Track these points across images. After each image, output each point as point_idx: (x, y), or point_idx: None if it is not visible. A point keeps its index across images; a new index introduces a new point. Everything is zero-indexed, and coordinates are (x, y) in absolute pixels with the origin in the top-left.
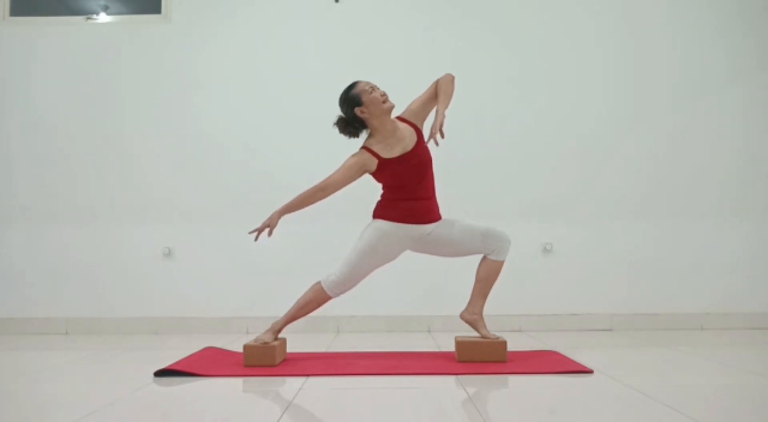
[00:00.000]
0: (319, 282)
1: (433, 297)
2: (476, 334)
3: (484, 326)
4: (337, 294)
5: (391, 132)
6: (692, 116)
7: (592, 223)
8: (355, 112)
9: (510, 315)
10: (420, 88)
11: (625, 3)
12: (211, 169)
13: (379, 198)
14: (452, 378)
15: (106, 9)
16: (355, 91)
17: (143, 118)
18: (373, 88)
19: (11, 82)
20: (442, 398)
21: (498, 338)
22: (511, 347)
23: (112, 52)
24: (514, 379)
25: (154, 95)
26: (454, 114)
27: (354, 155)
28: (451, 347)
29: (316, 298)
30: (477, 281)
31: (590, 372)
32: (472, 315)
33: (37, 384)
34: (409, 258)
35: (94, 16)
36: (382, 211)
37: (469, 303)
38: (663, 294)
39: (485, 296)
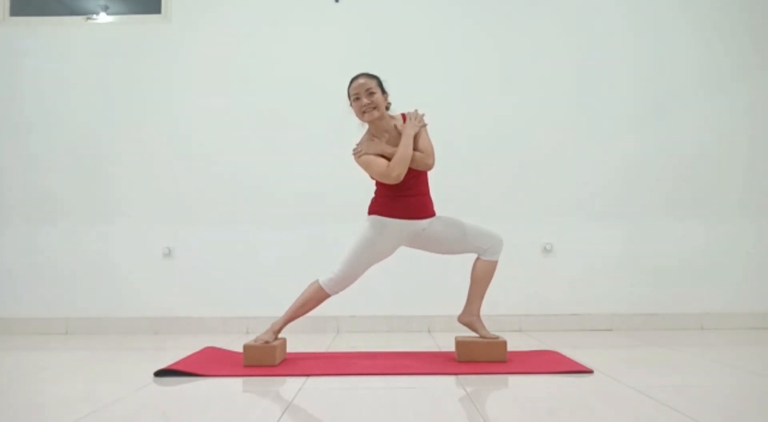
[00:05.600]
0: (317, 281)
1: (433, 297)
2: (476, 334)
3: (483, 327)
4: (336, 292)
5: (380, 131)
6: (693, 116)
7: (592, 223)
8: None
9: (510, 315)
10: (419, 88)
11: (626, 3)
12: (211, 168)
13: (373, 195)
14: (452, 378)
15: (106, 9)
16: (349, 89)
17: (143, 118)
18: (359, 96)
19: (11, 82)
20: (442, 398)
21: (498, 338)
22: (511, 347)
23: (112, 52)
24: (514, 379)
25: (153, 95)
26: (454, 113)
27: (361, 154)
28: (451, 347)
29: (315, 297)
30: (472, 283)
31: (590, 372)
32: (470, 316)
33: (37, 384)
34: (409, 258)
35: (94, 16)
36: (376, 207)
37: (466, 306)
38: (663, 294)
39: (481, 297)
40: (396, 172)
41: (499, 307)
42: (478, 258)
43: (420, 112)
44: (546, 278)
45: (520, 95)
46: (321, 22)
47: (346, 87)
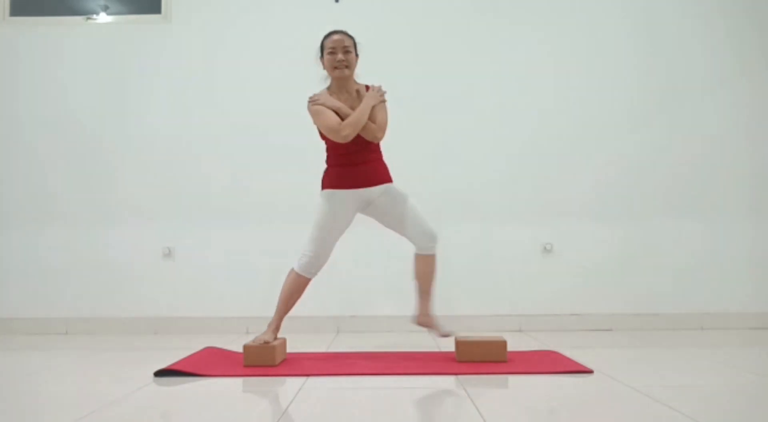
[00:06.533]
0: (292, 269)
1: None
2: (476, 334)
3: (438, 325)
4: (313, 274)
5: (342, 90)
6: (692, 116)
7: (592, 223)
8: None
9: (510, 315)
10: (419, 88)
11: (625, 2)
12: (211, 168)
13: (324, 165)
14: (452, 378)
15: (106, 9)
16: (324, 42)
17: (143, 118)
18: (336, 51)
19: (11, 83)
20: (442, 398)
21: (451, 334)
22: (511, 347)
23: (112, 52)
24: (514, 379)
25: (153, 95)
26: (454, 113)
27: (316, 103)
28: (451, 347)
29: (297, 286)
30: (416, 281)
31: (590, 372)
32: (424, 317)
33: (37, 384)
34: (409, 257)
35: (94, 16)
36: (327, 181)
37: (418, 306)
38: (663, 294)
39: (428, 293)
40: (346, 132)
41: (499, 307)
42: (415, 255)
43: (383, 89)
44: (546, 278)
45: (520, 96)
46: (321, 22)
47: (321, 40)
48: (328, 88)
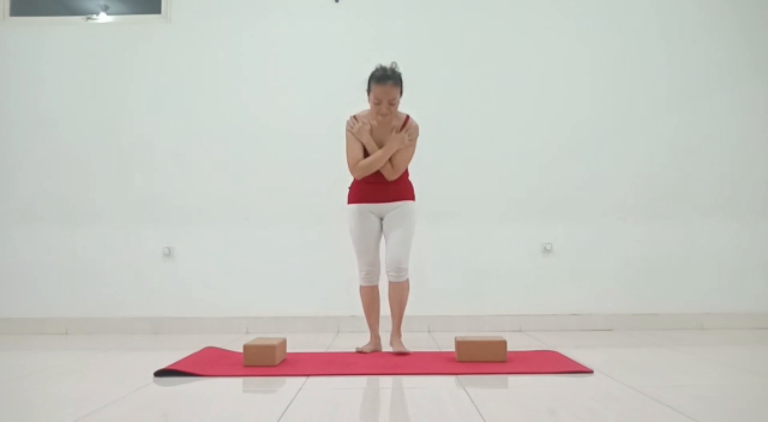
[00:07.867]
0: (359, 286)
1: (432, 297)
2: (476, 334)
3: (399, 341)
4: (372, 280)
5: (378, 120)
6: (692, 116)
7: (592, 223)
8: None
9: (510, 315)
10: (419, 88)
11: (629, 2)
12: (212, 168)
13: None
14: (452, 378)
15: (106, 9)
16: (372, 84)
17: (143, 118)
18: (381, 101)
19: (11, 83)
20: (442, 398)
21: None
22: (511, 347)
23: (112, 52)
24: (514, 379)
25: (153, 95)
26: (454, 114)
27: (352, 131)
28: (451, 347)
29: (367, 296)
30: (390, 307)
31: (590, 372)
32: (393, 337)
33: (37, 384)
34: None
35: (94, 16)
36: (350, 195)
37: (392, 330)
38: (663, 294)
39: (399, 318)
40: (356, 174)
41: (499, 307)
42: (389, 282)
43: (420, 130)
44: (546, 278)
45: (520, 96)
46: (321, 22)
47: (371, 74)
48: (372, 112)
